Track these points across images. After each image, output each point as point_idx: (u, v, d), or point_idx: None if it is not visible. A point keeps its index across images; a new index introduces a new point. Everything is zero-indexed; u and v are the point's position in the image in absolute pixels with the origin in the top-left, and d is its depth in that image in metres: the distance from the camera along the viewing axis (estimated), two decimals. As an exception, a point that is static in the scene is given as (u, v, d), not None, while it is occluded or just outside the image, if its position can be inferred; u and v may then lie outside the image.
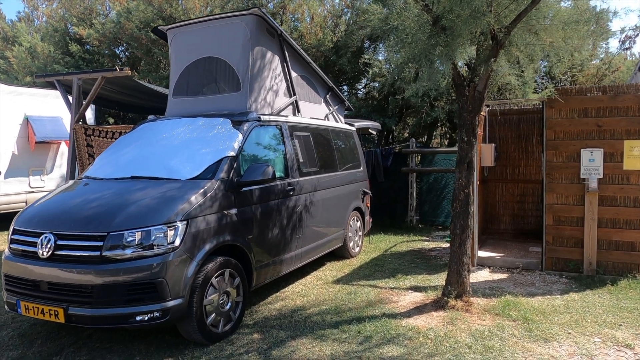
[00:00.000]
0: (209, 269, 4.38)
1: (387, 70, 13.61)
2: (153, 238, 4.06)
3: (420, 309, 5.13)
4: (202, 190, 4.51)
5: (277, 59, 6.41)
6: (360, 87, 15.58)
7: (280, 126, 5.98)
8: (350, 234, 7.76)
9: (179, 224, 4.19)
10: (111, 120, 17.60)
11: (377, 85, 14.66)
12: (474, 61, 5.54)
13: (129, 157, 5.29)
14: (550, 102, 6.34)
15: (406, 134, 16.05)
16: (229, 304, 4.68)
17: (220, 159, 4.85)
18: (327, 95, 7.91)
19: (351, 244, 7.83)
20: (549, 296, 5.58)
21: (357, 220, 8.12)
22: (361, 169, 8.41)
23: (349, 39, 13.60)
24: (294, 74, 6.80)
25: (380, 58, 15.11)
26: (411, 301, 5.46)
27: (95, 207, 4.36)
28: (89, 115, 12.63)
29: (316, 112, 7.48)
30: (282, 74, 6.53)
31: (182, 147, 5.13)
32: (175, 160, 4.95)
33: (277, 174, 5.63)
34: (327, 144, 7.24)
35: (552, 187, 6.39)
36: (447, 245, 8.77)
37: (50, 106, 11.35)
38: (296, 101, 6.76)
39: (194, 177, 4.70)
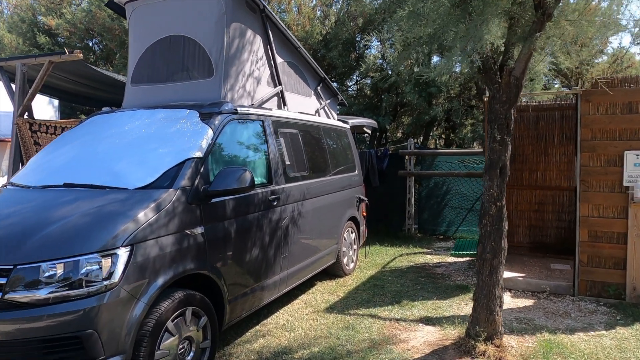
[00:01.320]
0: (163, 310, 3.25)
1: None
2: (82, 272, 2.92)
3: (439, 355, 4.04)
4: (155, 202, 3.37)
5: (259, 39, 5.29)
6: (351, 84, 14.51)
7: (263, 121, 4.87)
8: (344, 248, 6.67)
9: (120, 251, 3.04)
10: (83, 118, 16.27)
11: (369, 81, 13.59)
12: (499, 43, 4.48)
13: (66, 158, 4.12)
14: (586, 94, 5.30)
15: (399, 134, 15.01)
16: (192, 352, 3.56)
17: (183, 162, 3.72)
18: (318, 87, 6.81)
19: (345, 260, 6.73)
20: (592, 332, 4.52)
21: (352, 232, 7.04)
22: (356, 172, 7.33)
23: (339, 31, 12.53)
24: (279, 60, 5.68)
25: (373, 52, 14.06)
26: (425, 341, 4.36)
27: (4, 227, 3.20)
28: (51, 112, 11.41)
29: (305, 106, 6.37)
30: (265, 58, 5.41)
31: (134, 146, 3.99)
32: (123, 163, 3.81)
33: (258, 180, 4.53)
34: (318, 144, 6.14)
35: (588, 196, 5.35)
36: (453, 259, 7.72)
37: (6, 100, 10.12)
38: (282, 92, 5.65)
39: (146, 185, 3.56)
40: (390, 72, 12.71)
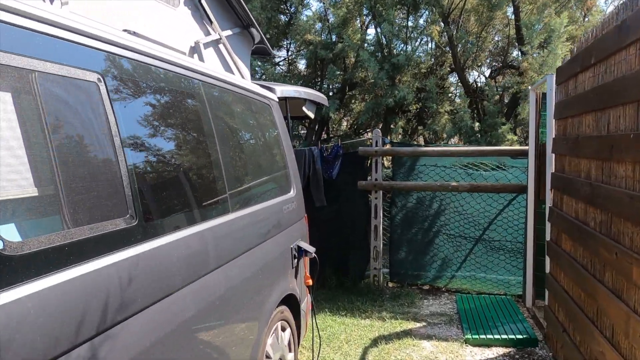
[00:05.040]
0: None
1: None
2: None
3: None
4: None
5: None
6: (280, 58, 10.55)
7: None
8: (266, 378, 2.79)
9: None
10: None
11: (304, 53, 9.67)
12: None
13: None
14: None
15: (346, 126, 11.24)
16: None
17: None
18: (201, -8, 2.85)
19: (269, 403, 2.85)
20: None
21: (286, 327, 3.17)
22: (291, 193, 3.51)
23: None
24: None
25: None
26: None
27: None
28: None
29: (159, 27, 2.40)
30: None
31: None
32: None
33: None
34: (196, 131, 2.22)
35: None
36: (473, 352, 4.02)
37: None
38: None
39: None
40: (334, 38, 8.92)
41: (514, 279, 5.67)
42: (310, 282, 3.52)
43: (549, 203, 4.28)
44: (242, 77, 3.25)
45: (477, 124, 8.54)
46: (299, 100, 4.75)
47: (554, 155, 4.19)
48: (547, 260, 4.27)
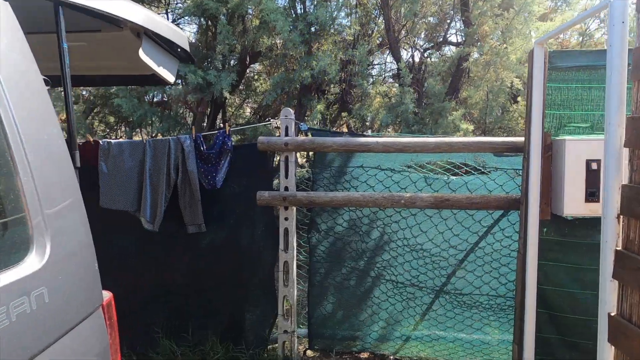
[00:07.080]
0: None
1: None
2: None
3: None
4: None
5: None
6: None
7: None
8: None
9: None
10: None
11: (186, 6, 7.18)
12: None
13: None
14: None
15: (248, 111, 8.87)
16: None
17: None
18: None
19: None
20: None
21: None
22: (30, 262, 1.14)
23: None
24: None
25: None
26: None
27: None
28: None
29: None
30: None
31: None
32: None
33: None
34: None
35: None
36: None
37: None
38: None
39: None
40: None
41: (497, 338, 3.70)
42: None
43: (612, 242, 2.26)
44: None
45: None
46: (127, 35, 2.38)
47: (627, 150, 2.18)
48: (608, 349, 2.26)
